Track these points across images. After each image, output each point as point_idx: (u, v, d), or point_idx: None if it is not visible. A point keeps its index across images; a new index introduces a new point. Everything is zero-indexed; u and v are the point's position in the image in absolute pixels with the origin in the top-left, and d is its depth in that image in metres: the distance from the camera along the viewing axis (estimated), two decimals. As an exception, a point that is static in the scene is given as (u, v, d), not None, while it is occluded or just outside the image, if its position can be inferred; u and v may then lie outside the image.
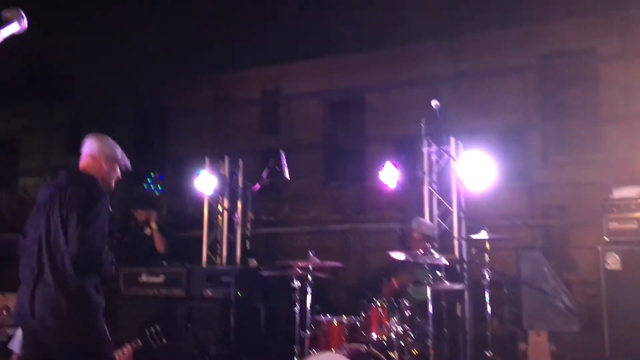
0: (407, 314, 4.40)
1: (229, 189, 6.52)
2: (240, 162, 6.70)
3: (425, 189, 5.83)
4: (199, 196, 6.65)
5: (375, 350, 4.46)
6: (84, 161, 3.40)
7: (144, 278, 5.55)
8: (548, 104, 12.47)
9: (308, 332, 4.61)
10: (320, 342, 4.62)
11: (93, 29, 16.58)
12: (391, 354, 4.30)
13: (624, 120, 11.60)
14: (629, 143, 11.11)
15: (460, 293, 5.12)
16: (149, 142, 16.95)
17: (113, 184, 3.47)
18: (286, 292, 4.81)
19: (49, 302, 3.03)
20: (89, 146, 3.43)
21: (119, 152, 3.48)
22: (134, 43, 16.25)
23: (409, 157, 6.50)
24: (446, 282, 4.51)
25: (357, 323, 4.58)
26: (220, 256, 6.39)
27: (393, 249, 5.49)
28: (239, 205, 6.44)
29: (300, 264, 4.69)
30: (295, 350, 4.59)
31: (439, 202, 5.79)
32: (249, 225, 6.77)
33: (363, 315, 4.55)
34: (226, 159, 6.62)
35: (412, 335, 4.36)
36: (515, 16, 12.36)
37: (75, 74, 18.15)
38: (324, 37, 14.26)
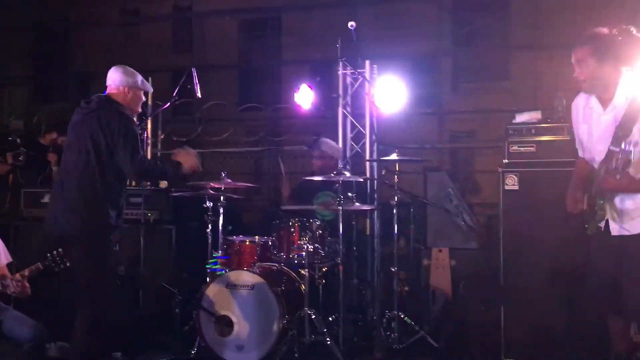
0: (318, 233, 4.51)
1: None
2: (150, 80, 6.39)
3: (340, 112, 5.85)
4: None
5: (286, 268, 4.58)
6: (110, 92, 3.74)
7: (46, 199, 5.30)
8: (460, 31, 12.70)
9: (220, 252, 4.64)
10: (233, 262, 4.67)
11: None
12: (302, 271, 4.42)
13: (530, 50, 12.05)
14: (535, 72, 11.60)
15: (370, 213, 5.30)
16: (50, 57, 15.81)
17: (139, 108, 3.90)
18: (198, 212, 4.78)
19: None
20: (111, 78, 3.76)
21: (139, 79, 3.81)
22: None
23: (324, 80, 6.46)
24: (356, 202, 4.63)
25: (269, 242, 4.65)
26: (130, 176, 6.19)
27: (307, 171, 5.57)
28: (149, 124, 6.22)
29: (212, 184, 4.66)
30: (208, 270, 4.62)
31: (352, 125, 5.85)
32: (159, 146, 6.59)
33: (275, 235, 4.62)
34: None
35: (322, 253, 4.49)
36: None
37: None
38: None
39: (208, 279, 4.51)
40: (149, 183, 5.27)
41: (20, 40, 15.79)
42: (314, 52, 12.39)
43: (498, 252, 4.27)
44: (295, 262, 4.51)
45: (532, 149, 4.24)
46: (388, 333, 4.58)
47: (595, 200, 3.08)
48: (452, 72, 13.12)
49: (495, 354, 4.20)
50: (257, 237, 4.74)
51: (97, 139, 3.52)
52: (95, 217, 3.52)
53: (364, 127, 5.72)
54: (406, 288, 5.15)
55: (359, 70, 5.60)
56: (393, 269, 4.61)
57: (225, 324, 4.26)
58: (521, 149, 4.26)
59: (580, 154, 3.34)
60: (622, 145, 2.89)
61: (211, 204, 4.66)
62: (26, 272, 3.98)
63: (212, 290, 4.34)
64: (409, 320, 4.61)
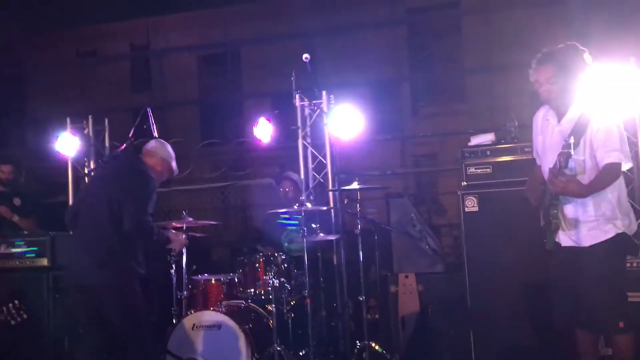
0: (283, 267, 4.46)
1: (94, 149, 6.16)
2: (106, 121, 6.33)
3: (300, 143, 5.85)
4: (62, 159, 6.23)
5: (253, 305, 4.51)
6: (145, 152, 3.94)
7: (3, 249, 5.14)
8: (416, 56, 12.97)
9: (185, 293, 4.55)
10: (199, 302, 4.58)
11: None
12: (269, 307, 4.36)
13: (484, 72, 12.36)
14: (489, 93, 11.88)
15: (335, 242, 5.28)
16: (5, 101, 15.54)
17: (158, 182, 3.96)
18: (161, 253, 4.69)
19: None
20: (155, 146, 3.96)
21: (175, 164, 4.03)
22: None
23: (284, 112, 6.48)
24: (320, 233, 4.61)
25: (235, 279, 4.58)
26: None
27: (272, 204, 5.53)
28: (108, 166, 6.12)
29: (173, 224, 4.58)
30: (173, 311, 4.52)
31: (314, 156, 5.86)
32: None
33: (240, 271, 4.56)
34: (90, 119, 6.22)
35: (289, 287, 4.44)
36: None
37: None
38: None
39: (174, 321, 4.40)
40: None
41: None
42: (273, 85, 12.46)
43: (464, 275, 4.29)
44: (262, 297, 4.45)
45: (488, 170, 4.31)
46: (360, 363, 4.53)
47: (549, 212, 3.14)
48: (411, 96, 13.35)
49: (468, 377, 4.20)
50: (222, 275, 4.67)
51: (122, 194, 3.63)
52: (123, 268, 3.63)
53: (324, 157, 5.73)
54: (376, 316, 5.12)
55: (315, 102, 5.63)
56: (361, 298, 4.57)
57: (193, 367, 4.15)
58: (478, 170, 4.33)
59: (537, 162, 3.41)
60: (564, 142, 2.95)
61: (174, 244, 4.57)
62: None
63: (178, 333, 4.24)
64: (380, 349, 4.55)
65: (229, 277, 4.64)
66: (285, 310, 4.47)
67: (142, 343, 3.67)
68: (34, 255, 5.11)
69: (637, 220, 3.33)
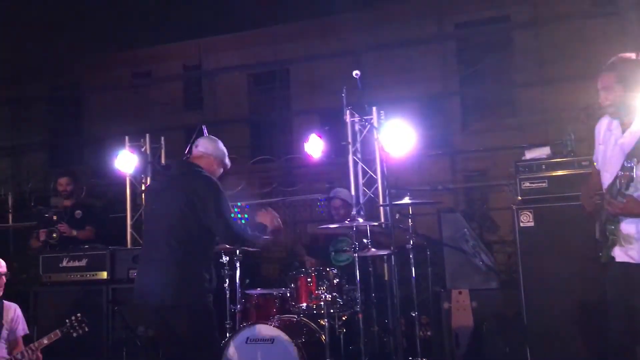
0: (335, 282, 4.48)
1: (151, 167, 6.36)
2: (162, 139, 6.56)
3: (350, 159, 5.89)
4: (120, 176, 6.46)
5: (306, 320, 4.53)
6: (196, 155, 3.73)
7: (65, 263, 5.36)
8: (466, 71, 12.86)
9: (239, 306, 4.61)
10: (252, 316, 4.65)
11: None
12: (321, 321, 4.38)
13: (535, 86, 12.14)
14: (541, 107, 11.65)
15: (387, 258, 5.26)
16: (64, 122, 16.20)
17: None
18: (215, 268, 4.77)
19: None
20: (205, 145, 3.75)
21: (227, 159, 3.84)
22: (46, 17, 15.36)
23: (333, 128, 6.55)
24: (372, 248, 4.62)
25: (287, 294, 4.62)
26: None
27: (322, 220, 5.58)
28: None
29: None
30: (227, 325, 4.59)
31: (364, 171, 5.88)
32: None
33: (292, 286, 4.60)
34: (147, 137, 6.44)
35: (340, 301, 4.45)
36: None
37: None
38: (246, 9, 14.00)
39: (227, 335, 4.47)
40: None
41: (35, 108, 16.27)
42: (322, 102, 12.59)
43: (519, 290, 4.21)
44: (314, 312, 4.47)
45: (544, 184, 4.24)
46: (414, 380, 4.48)
47: (606, 226, 3.07)
48: (461, 111, 13.22)
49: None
50: (274, 289, 4.72)
51: (188, 205, 3.42)
52: (193, 285, 3.42)
53: (375, 172, 5.75)
54: (428, 333, 5.06)
55: (365, 117, 5.67)
56: (414, 314, 4.54)
57: (247, 380, 4.20)
58: (533, 185, 4.27)
59: (597, 167, 3.35)
60: (626, 163, 2.89)
61: (227, 258, 4.67)
62: (45, 341, 3.98)
63: (233, 346, 4.30)
64: (433, 366, 4.51)
65: (282, 292, 4.69)
66: (337, 325, 4.47)
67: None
68: (93, 268, 5.31)
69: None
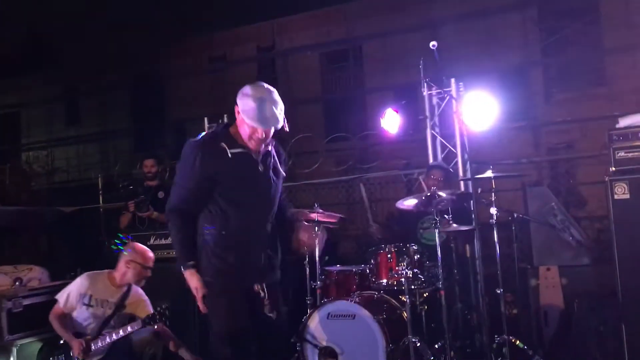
0: (415, 258, 4.39)
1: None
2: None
3: (428, 133, 5.75)
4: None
5: (386, 296, 4.49)
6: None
7: (152, 241, 5.56)
8: (548, 40, 12.22)
9: (319, 283, 4.63)
10: (332, 292, 4.65)
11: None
12: (402, 298, 4.31)
13: (625, 52, 11.37)
14: (632, 74, 10.92)
15: (469, 234, 5.11)
16: (147, 108, 16.83)
17: (250, 143, 3.12)
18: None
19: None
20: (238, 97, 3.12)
21: (251, 105, 3.01)
22: (125, 9, 15.96)
23: (410, 103, 6.40)
24: (453, 224, 4.49)
25: (367, 270, 4.59)
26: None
27: (399, 197, 5.48)
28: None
29: (306, 212, 4.66)
30: (307, 301, 4.62)
31: (443, 146, 5.72)
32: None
33: (372, 262, 4.55)
34: (224, 118, 6.54)
35: (422, 278, 4.36)
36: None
37: (69, 43, 17.92)
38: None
39: (309, 311, 4.50)
40: None
41: (120, 96, 17.01)
42: (396, 78, 12.37)
43: (613, 267, 3.97)
44: (395, 288, 4.41)
45: (640, 153, 3.95)
46: (500, 359, 4.34)
47: None
48: (544, 82, 12.60)
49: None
50: (354, 266, 4.69)
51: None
52: (202, 263, 3.23)
53: (454, 146, 5.58)
54: (514, 311, 4.89)
55: (444, 89, 5.50)
56: (498, 291, 4.38)
57: (329, 354, 4.22)
58: (629, 154, 3.98)
59: None
60: None
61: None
62: (121, 332, 4.02)
63: (314, 322, 4.33)
64: (521, 345, 4.33)
65: (361, 268, 4.66)
66: (418, 302, 4.40)
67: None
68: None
69: None
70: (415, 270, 4.35)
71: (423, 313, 4.42)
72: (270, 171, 3.29)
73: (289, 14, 14.90)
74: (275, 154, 3.33)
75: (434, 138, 5.75)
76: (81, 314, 4.23)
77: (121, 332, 4.02)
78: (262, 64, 16.31)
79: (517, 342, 4.34)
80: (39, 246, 9.02)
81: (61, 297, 4.28)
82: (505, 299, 4.54)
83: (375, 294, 4.50)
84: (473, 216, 5.07)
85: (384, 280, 4.44)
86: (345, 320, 4.23)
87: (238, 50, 16.17)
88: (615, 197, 3.98)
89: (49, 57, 17.86)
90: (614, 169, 4.03)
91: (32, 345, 4.47)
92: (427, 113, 5.72)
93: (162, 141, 15.67)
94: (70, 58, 17.95)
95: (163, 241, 5.51)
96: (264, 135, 3.09)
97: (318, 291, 4.62)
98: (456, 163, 5.56)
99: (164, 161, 6.36)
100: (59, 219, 8.35)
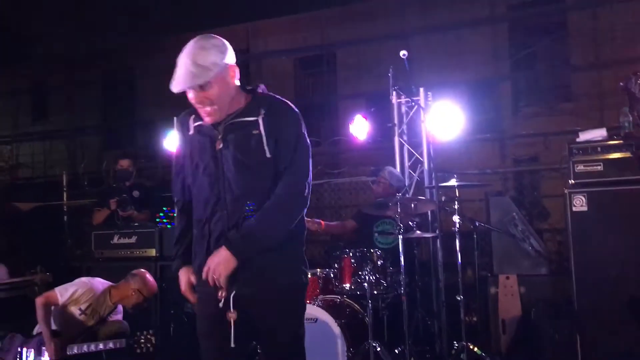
0: (379, 264, 4.44)
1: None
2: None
3: (396, 141, 5.84)
4: (170, 156, 6.58)
5: (349, 300, 4.53)
6: None
7: (116, 240, 5.50)
8: (518, 54, 12.48)
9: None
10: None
11: (54, -11, 16.02)
12: (364, 303, 4.35)
13: (591, 69, 11.68)
14: (597, 92, 11.22)
15: (432, 241, 5.20)
16: (117, 106, 16.62)
17: (204, 116, 2.44)
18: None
19: None
20: None
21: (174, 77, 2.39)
22: (99, 5, 15.76)
23: (380, 110, 6.48)
24: (417, 230, 4.56)
25: (331, 274, 4.62)
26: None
27: (367, 202, 5.54)
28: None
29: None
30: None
31: (410, 153, 5.81)
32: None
33: (336, 266, 4.59)
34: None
35: (384, 283, 4.42)
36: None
37: (38, 36, 17.59)
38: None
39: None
40: None
41: (90, 92, 16.75)
42: (369, 85, 12.47)
43: (570, 277, 4.08)
44: (358, 293, 4.45)
45: (599, 167, 4.07)
46: (457, 365, 4.42)
47: None
48: (512, 95, 12.85)
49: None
50: (318, 269, 4.72)
51: None
52: None
53: (421, 154, 5.67)
54: (474, 318, 4.97)
55: (413, 98, 5.58)
56: (459, 298, 4.46)
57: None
58: (587, 168, 4.10)
59: None
60: None
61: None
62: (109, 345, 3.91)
63: (276, 324, 4.33)
64: (479, 351, 4.42)
65: (325, 272, 4.69)
66: (380, 307, 4.45)
67: None
68: (143, 245, 5.44)
69: None
70: (378, 275, 4.40)
71: (385, 318, 4.47)
72: (235, 149, 2.38)
73: (264, 18, 14.90)
74: (262, 125, 2.41)
75: (401, 146, 5.83)
76: (70, 316, 4.11)
77: (101, 346, 3.91)
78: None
79: (475, 348, 4.43)
80: (-3, 242, 8.83)
81: (64, 291, 4.12)
82: (469, 306, 4.63)
83: (337, 298, 4.54)
84: (436, 224, 5.17)
85: (347, 285, 4.48)
86: (307, 324, 4.22)
87: (212, 52, 16.09)
88: (574, 209, 4.09)
89: (17, 50, 17.49)
90: (573, 181, 4.14)
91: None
92: (396, 121, 5.81)
93: (132, 139, 15.48)
94: (40, 50, 17.63)
95: (127, 240, 5.46)
96: (195, 100, 2.41)
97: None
98: (423, 171, 5.65)
99: (137, 161, 6.29)
100: (17, 216, 8.20)
